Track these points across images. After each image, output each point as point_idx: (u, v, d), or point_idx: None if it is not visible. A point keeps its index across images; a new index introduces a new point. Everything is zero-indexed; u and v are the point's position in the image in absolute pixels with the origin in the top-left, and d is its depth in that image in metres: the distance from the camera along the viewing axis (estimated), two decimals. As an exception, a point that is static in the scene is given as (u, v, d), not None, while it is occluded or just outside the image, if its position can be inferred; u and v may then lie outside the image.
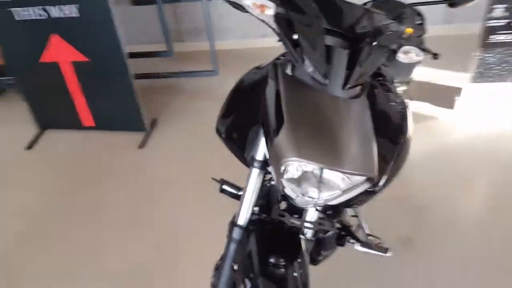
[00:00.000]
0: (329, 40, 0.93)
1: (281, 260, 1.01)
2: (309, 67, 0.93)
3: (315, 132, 0.88)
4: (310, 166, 0.87)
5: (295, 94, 0.93)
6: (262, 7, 0.91)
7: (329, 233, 1.28)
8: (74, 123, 2.87)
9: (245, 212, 1.08)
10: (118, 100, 2.74)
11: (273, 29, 0.96)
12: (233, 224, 1.09)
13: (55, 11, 2.38)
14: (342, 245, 1.38)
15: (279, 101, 0.92)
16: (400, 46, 0.96)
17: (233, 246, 1.07)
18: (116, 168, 2.49)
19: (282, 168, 0.87)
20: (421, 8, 1.71)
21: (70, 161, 2.61)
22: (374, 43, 0.91)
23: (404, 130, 1.07)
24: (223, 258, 1.10)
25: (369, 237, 1.69)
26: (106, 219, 2.12)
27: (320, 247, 1.28)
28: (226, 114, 1.11)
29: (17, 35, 2.54)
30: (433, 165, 2.29)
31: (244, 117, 1.10)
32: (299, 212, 1.10)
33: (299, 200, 0.93)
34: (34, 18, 2.42)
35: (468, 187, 2.15)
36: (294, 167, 0.89)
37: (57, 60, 2.61)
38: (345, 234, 1.35)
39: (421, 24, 1.97)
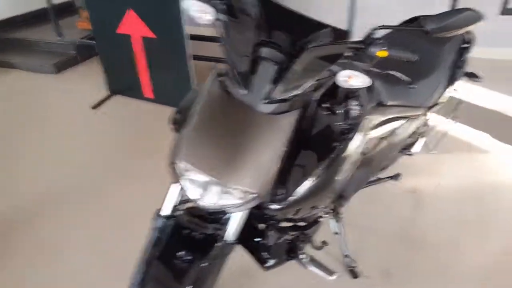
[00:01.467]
0: (265, 51, 0.93)
1: (187, 255, 1.05)
2: (233, 77, 0.95)
3: (211, 141, 0.91)
4: (196, 173, 0.91)
5: (213, 100, 0.96)
6: (203, 11, 0.96)
7: (276, 241, 1.29)
8: (137, 93, 3.20)
9: (169, 204, 1.12)
10: (175, 77, 2.97)
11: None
12: (157, 213, 1.14)
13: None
14: (293, 258, 1.37)
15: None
16: (344, 69, 0.93)
17: (153, 233, 1.12)
18: (160, 140, 2.69)
19: (174, 167, 0.92)
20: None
21: (125, 125, 2.93)
22: (300, 60, 0.90)
23: (334, 150, 1.05)
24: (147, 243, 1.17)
25: (346, 259, 1.66)
26: (140, 186, 2.31)
27: (268, 253, 1.29)
28: (180, 108, 1.17)
29: (101, 5, 2.92)
30: (461, 205, 2.05)
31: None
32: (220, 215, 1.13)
33: (199, 203, 0.96)
34: (114, -8, 2.75)
35: (489, 237, 1.87)
36: (181, 168, 0.93)
37: (130, 33, 2.93)
38: (294, 247, 1.35)
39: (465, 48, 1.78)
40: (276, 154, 0.92)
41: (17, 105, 3.35)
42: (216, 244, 1.06)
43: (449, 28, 0.99)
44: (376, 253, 1.79)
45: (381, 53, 0.98)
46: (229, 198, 0.94)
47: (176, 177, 0.96)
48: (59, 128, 2.96)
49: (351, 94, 1.15)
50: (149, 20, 2.81)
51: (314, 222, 1.46)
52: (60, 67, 3.87)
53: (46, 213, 2.11)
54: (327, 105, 1.09)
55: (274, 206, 1.02)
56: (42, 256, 1.86)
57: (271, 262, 1.34)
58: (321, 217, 1.53)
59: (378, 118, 1.36)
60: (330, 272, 1.36)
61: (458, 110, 2.13)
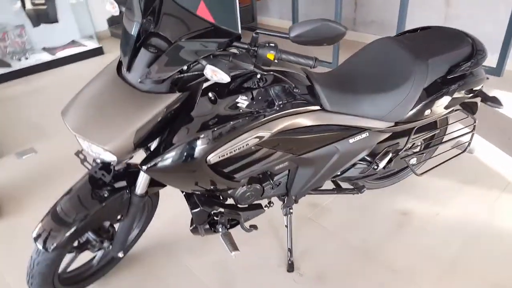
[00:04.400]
0: (148, 40, 1.10)
1: (106, 191, 1.34)
2: (122, 58, 1.14)
3: (86, 107, 1.13)
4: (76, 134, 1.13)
5: (105, 76, 1.17)
6: (112, 5, 1.17)
7: (196, 211, 1.45)
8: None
9: None
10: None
11: None
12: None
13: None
14: (215, 231, 1.53)
15: None
16: (209, 63, 1.03)
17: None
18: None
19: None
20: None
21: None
22: (169, 50, 1.06)
23: (208, 132, 1.17)
24: None
25: (288, 252, 1.71)
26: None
27: (192, 217, 1.49)
28: None
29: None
30: (448, 241, 1.80)
31: None
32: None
33: (89, 152, 1.17)
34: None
35: (453, 283, 1.61)
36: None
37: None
38: (216, 222, 1.51)
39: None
40: (140, 124, 1.09)
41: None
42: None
43: (305, 37, 1.00)
44: (324, 257, 1.77)
45: (270, 55, 1.07)
46: (108, 154, 1.14)
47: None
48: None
49: (244, 88, 1.24)
50: (215, 13, 3.22)
51: (252, 208, 1.58)
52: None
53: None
54: (211, 94, 1.21)
55: (143, 167, 1.19)
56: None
57: (193, 227, 1.54)
58: (264, 205, 1.64)
59: (311, 121, 1.37)
60: (233, 249, 1.46)
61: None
